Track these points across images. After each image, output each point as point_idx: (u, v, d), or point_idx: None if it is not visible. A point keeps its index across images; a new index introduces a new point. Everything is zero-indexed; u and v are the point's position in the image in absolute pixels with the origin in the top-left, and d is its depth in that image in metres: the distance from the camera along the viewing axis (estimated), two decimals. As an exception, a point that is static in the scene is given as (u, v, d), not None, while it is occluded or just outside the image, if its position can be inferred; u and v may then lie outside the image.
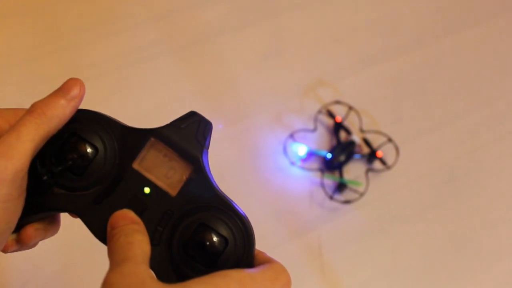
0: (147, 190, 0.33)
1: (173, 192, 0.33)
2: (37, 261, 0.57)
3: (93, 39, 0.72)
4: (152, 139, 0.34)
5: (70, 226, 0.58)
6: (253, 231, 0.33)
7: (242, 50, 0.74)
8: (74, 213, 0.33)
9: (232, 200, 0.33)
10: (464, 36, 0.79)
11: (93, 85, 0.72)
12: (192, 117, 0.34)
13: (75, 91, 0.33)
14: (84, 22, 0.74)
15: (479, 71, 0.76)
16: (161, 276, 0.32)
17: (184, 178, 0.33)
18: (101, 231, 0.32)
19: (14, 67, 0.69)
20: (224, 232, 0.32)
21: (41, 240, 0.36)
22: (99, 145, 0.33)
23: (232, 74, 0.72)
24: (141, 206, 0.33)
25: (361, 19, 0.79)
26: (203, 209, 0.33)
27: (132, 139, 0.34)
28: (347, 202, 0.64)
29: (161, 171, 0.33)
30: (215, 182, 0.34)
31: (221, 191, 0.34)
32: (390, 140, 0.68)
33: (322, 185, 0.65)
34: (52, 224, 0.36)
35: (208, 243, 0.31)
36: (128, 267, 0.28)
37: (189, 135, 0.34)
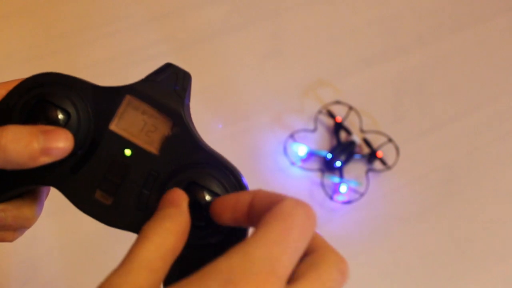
0: (127, 152, 0.31)
1: (156, 151, 0.31)
2: (37, 261, 0.57)
3: (93, 39, 0.72)
4: (128, 96, 0.31)
5: (70, 225, 0.58)
6: (246, 183, 0.30)
7: (242, 50, 0.74)
8: (51, 185, 0.31)
9: (219, 154, 0.31)
10: (464, 36, 0.79)
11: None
12: (168, 69, 0.32)
13: (60, 144, 0.29)
14: (84, 22, 0.74)
15: (479, 71, 0.76)
16: None
17: (167, 135, 0.31)
18: (83, 202, 0.30)
19: (14, 67, 0.69)
20: (216, 188, 0.29)
21: (15, 225, 0.32)
22: (70, 109, 0.30)
23: (232, 74, 0.72)
24: (123, 170, 0.30)
25: (361, 19, 0.79)
26: (191, 166, 0.30)
27: (106, 99, 0.31)
28: (347, 202, 0.64)
29: (141, 130, 0.31)
30: (200, 137, 0.31)
31: (207, 145, 0.31)
32: (390, 140, 0.68)
33: (322, 185, 0.65)
34: (30, 203, 0.32)
35: (200, 202, 0.29)
36: (117, 276, 0.23)
37: (167, 88, 0.31)
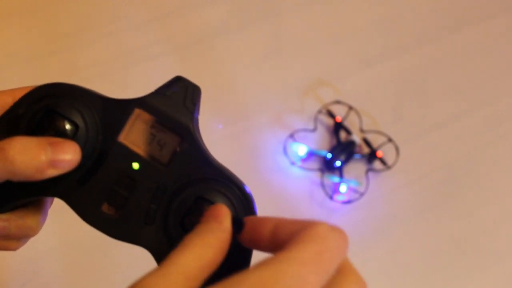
0: (135, 165, 0.30)
1: (164, 165, 0.30)
2: (37, 261, 0.57)
3: (93, 39, 0.72)
4: (137, 109, 0.31)
5: (71, 225, 0.58)
6: (253, 200, 0.30)
7: (242, 50, 0.74)
8: (58, 197, 0.31)
9: (227, 169, 0.31)
10: (464, 36, 0.79)
11: (93, 86, 0.71)
12: (178, 82, 0.31)
13: (68, 156, 0.28)
14: (84, 22, 0.74)
15: (479, 71, 0.76)
16: (160, 258, 0.29)
17: (175, 149, 0.30)
18: (90, 215, 0.30)
19: (14, 67, 0.69)
20: (224, 203, 0.29)
21: (19, 234, 0.32)
22: (78, 120, 0.30)
23: (232, 74, 0.72)
24: (130, 184, 0.30)
25: (361, 19, 0.79)
26: (198, 181, 0.30)
27: (115, 112, 0.31)
28: (347, 202, 0.64)
29: (150, 144, 0.31)
30: (209, 152, 0.31)
31: (216, 160, 0.31)
32: (390, 140, 0.68)
33: (322, 185, 0.65)
34: (34, 213, 0.32)
35: None
36: (153, 277, 0.22)
37: (176, 102, 0.31)
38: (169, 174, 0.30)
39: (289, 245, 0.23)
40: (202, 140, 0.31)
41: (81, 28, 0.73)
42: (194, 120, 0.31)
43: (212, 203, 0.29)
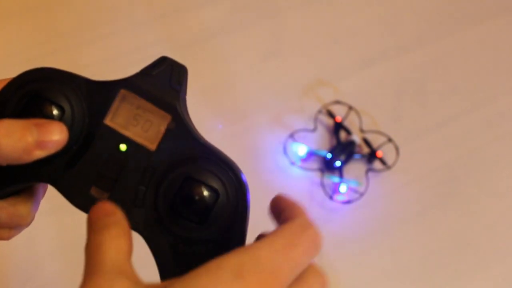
0: (123, 147, 0.30)
1: (152, 146, 0.30)
2: (38, 260, 0.57)
3: (93, 39, 0.72)
4: (123, 90, 0.31)
5: (71, 225, 0.58)
6: (245, 178, 0.30)
7: (242, 50, 0.74)
8: (46, 182, 0.31)
9: (217, 148, 0.30)
10: (464, 36, 0.79)
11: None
12: (164, 62, 0.32)
13: (54, 136, 0.28)
14: (84, 22, 0.74)
15: (479, 71, 0.76)
16: (151, 240, 0.30)
17: (162, 129, 0.30)
18: (79, 198, 0.30)
19: (14, 67, 0.68)
20: (213, 183, 0.29)
21: (10, 223, 0.32)
22: (64, 104, 0.30)
23: (232, 74, 0.72)
24: (118, 166, 0.30)
25: (361, 19, 0.79)
26: (187, 161, 0.30)
27: (100, 94, 0.31)
28: (347, 202, 0.64)
29: (136, 125, 0.30)
30: (197, 131, 0.31)
31: (204, 139, 0.31)
32: (390, 140, 0.68)
33: (322, 185, 0.65)
34: (26, 201, 0.32)
35: (196, 197, 0.28)
36: (93, 283, 0.23)
37: (162, 82, 0.31)
38: (157, 155, 0.30)
39: (273, 231, 0.25)
40: (190, 120, 0.31)
41: (81, 28, 0.73)
42: (180, 99, 0.31)
43: (200, 182, 0.29)
